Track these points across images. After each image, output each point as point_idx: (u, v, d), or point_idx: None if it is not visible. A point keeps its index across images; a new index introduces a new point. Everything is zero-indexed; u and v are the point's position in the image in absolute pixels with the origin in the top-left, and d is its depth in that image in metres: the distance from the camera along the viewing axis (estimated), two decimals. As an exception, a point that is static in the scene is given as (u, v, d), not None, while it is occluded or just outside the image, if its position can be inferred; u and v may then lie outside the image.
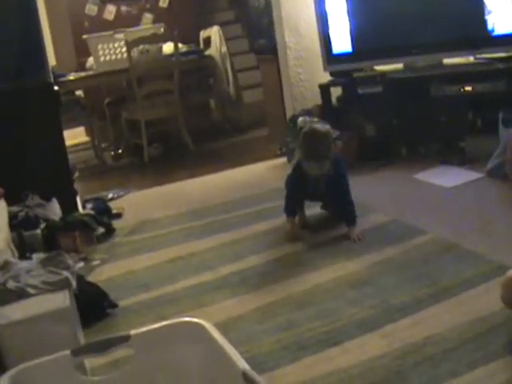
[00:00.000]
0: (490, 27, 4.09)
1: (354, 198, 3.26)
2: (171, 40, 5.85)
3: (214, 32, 6.44)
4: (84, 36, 6.06)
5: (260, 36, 7.70)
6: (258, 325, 2.33)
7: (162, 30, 6.36)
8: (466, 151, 4.10)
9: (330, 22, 4.50)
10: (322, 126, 3.24)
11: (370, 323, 2.23)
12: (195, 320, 1.67)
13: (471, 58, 4.32)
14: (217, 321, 2.27)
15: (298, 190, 3.30)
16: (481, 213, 3.19)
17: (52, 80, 3.76)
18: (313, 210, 3.48)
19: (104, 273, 3.06)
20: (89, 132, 6.76)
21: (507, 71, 3.98)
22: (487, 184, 3.63)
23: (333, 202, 3.36)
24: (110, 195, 4.50)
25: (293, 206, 3.33)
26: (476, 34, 4.18)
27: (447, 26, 4.24)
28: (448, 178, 3.80)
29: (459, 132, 4.18)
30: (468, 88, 4.06)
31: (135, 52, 5.60)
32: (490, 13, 4.07)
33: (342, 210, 3.28)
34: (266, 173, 4.53)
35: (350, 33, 4.47)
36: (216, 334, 1.56)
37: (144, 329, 1.66)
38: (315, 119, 4.46)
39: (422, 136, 4.36)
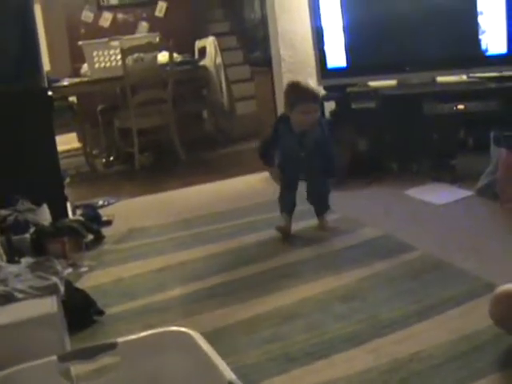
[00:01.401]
0: (483, 47, 4.12)
1: (344, 211, 3.26)
2: (166, 49, 5.87)
3: (209, 43, 6.47)
4: (79, 42, 6.07)
5: (255, 48, 7.75)
6: (246, 336, 2.33)
7: (158, 39, 6.37)
8: (457, 169, 4.12)
9: (325, 37, 4.53)
10: None
11: (358, 338, 2.22)
12: (182, 329, 1.66)
13: (464, 77, 4.35)
14: (204, 331, 2.24)
15: (273, 142, 3.34)
16: (470, 231, 3.20)
17: (46, 85, 3.75)
18: (302, 223, 3.49)
19: (92, 280, 3.05)
20: (81, 138, 6.75)
21: (499, 91, 4.02)
22: (477, 202, 3.64)
23: (317, 161, 3.35)
24: (101, 202, 4.49)
25: (268, 153, 3.37)
26: (470, 53, 4.21)
27: (441, 44, 4.27)
28: (438, 195, 3.82)
29: (451, 150, 4.20)
30: (460, 106, 4.08)
31: (130, 60, 5.61)
32: (483, 33, 4.11)
33: (324, 165, 3.34)
34: (256, 185, 4.53)
35: (345, 48, 4.49)
36: (203, 344, 1.56)
37: (131, 337, 1.66)
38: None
39: (413, 152, 4.38)
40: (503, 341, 2.04)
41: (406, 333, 2.22)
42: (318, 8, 4.47)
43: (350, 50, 4.49)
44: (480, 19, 4.09)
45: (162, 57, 5.91)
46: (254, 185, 4.58)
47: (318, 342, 2.22)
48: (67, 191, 4.01)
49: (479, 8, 4.07)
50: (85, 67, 6.21)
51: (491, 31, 4.07)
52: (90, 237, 3.58)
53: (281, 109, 5.06)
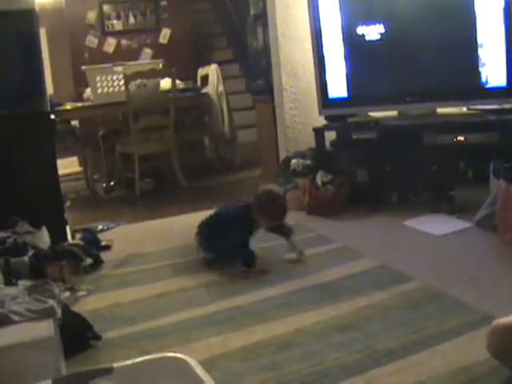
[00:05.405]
0: (483, 79, 4.16)
1: (343, 241, 3.25)
2: (169, 76, 5.91)
3: (211, 70, 6.52)
4: (83, 67, 6.11)
5: (257, 77, 7.78)
6: (243, 364, 2.31)
7: (161, 65, 6.43)
8: (456, 200, 4.12)
9: (326, 67, 4.57)
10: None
11: (355, 368, 2.21)
12: (179, 356, 1.65)
13: (464, 109, 4.38)
14: (201, 358, 2.25)
15: None
16: (468, 262, 3.20)
17: (49, 108, 3.78)
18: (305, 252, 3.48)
19: (89, 304, 3.04)
20: (82, 162, 6.78)
21: (499, 123, 4.04)
22: (476, 234, 3.64)
23: None
24: (100, 227, 4.49)
25: None
26: (470, 85, 4.25)
27: (442, 76, 4.31)
28: (437, 226, 3.82)
29: (450, 181, 4.21)
30: (460, 138, 4.11)
31: (133, 86, 5.65)
32: (483, 65, 4.14)
33: None
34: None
35: (346, 78, 4.53)
36: (200, 371, 1.55)
37: (127, 362, 1.65)
38: (308, 161, 4.52)
39: (413, 183, 4.39)
40: (501, 373, 2.03)
41: (403, 363, 2.21)
42: (321, 38, 4.52)
43: (351, 81, 4.52)
44: (480, 52, 4.12)
45: (165, 83, 5.95)
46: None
47: (315, 371, 2.21)
48: (67, 215, 4.02)
49: (479, 41, 4.11)
50: (88, 92, 6.26)
51: (491, 64, 4.11)
52: (89, 261, 3.57)
53: (281, 139, 5.09)
